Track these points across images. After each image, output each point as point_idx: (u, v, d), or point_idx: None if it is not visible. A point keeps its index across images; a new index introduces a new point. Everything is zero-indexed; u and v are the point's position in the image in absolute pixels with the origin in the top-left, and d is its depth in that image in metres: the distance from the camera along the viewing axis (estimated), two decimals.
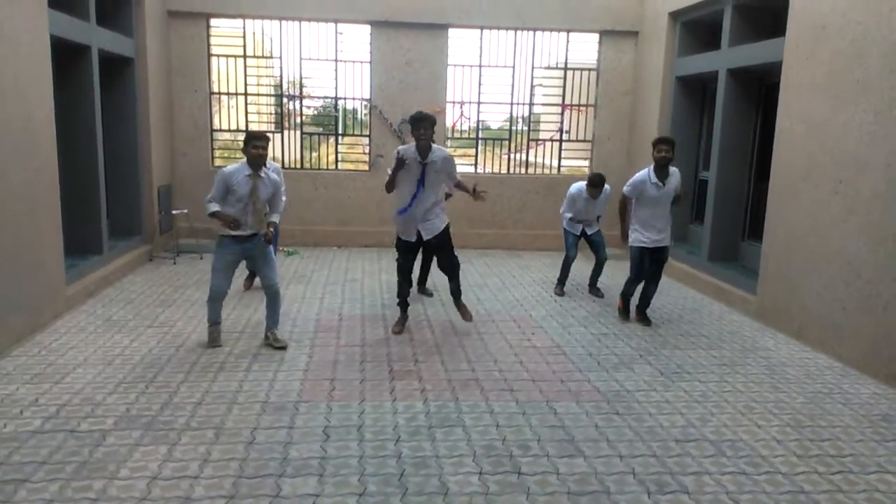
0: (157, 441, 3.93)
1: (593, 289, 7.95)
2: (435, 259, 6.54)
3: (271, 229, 5.56)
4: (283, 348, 5.55)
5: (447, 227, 6.06)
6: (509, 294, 7.81)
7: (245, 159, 5.42)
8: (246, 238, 5.44)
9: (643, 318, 6.72)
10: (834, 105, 5.93)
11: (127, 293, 7.28)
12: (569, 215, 7.87)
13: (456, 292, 6.24)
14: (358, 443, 3.99)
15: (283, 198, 6.35)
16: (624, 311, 6.83)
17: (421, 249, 6.31)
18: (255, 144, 5.34)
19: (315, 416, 4.33)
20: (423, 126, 5.69)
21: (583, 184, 7.66)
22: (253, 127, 10.44)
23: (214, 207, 5.34)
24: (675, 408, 4.67)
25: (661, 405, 4.71)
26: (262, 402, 4.53)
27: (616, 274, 8.50)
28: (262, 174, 5.41)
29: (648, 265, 6.58)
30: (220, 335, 5.66)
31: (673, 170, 6.41)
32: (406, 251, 6.08)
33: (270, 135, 6.88)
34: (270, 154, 10.61)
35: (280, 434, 4.07)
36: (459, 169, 6.38)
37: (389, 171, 5.90)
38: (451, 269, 6.14)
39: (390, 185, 5.94)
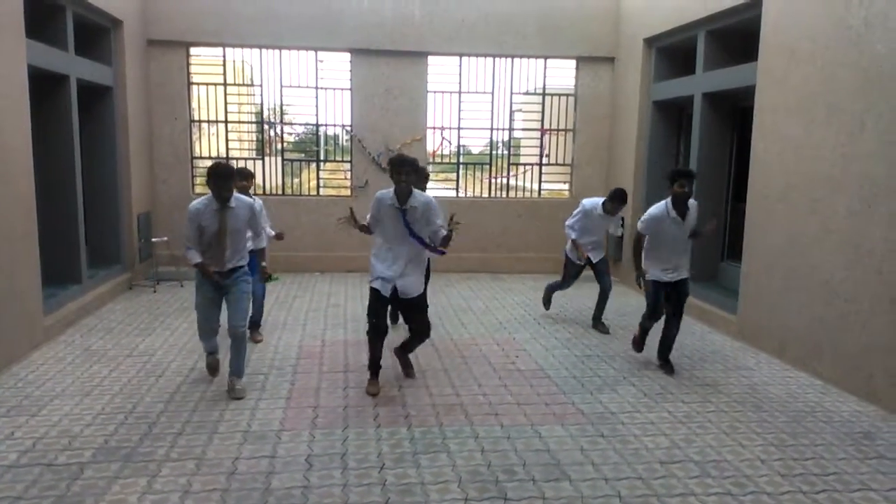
0: (136, 473, 3.85)
1: (598, 323, 7.28)
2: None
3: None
4: (240, 398, 5.02)
5: (424, 292, 5.49)
6: (492, 317, 7.80)
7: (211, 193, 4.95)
8: (226, 273, 5.07)
9: (665, 365, 5.92)
10: (807, 127, 6.05)
11: (106, 322, 7.19)
12: (573, 235, 7.31)
13: (409, 347, 5.63)
14: (342, 471, 3.94)
15: (267, 227, 6.48)
16: (640, 341, 6.13)
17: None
18: (217, 183, 4.85)
19: (298, 445, 4.28)
20: (404, 170, 5.09)
21: (598, 199, 7.28)
22: (234, 154, 10.44)
23: (196, 258, 4.97)
24: (660, 429, 4.67)
25: (645, 426, 4.71)
26: (243, 431, 4.47)
27: (618, 306, 8.31)
28: (233, 203, 4.95)
29: (666, 300, 5.87)
30: (218, 364, 5.45)
31: (692, 202, 5.73)
32: (378, 305, 5.28)
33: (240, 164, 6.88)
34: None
35: (262, 464, 4.01)
36: (442, 194, 6.05)
37: (368, 217, 5.43)
38: (420, 333, 5.51)
39: (366, 232, 5.46)
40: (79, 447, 4.17)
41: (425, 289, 5.55)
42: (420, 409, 4.92)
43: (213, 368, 5.43)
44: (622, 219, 7.80)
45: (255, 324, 6.62)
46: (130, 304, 8.10)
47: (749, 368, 6.07)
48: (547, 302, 7.91)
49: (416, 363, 5.98)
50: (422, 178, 6.39)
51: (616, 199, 7.06)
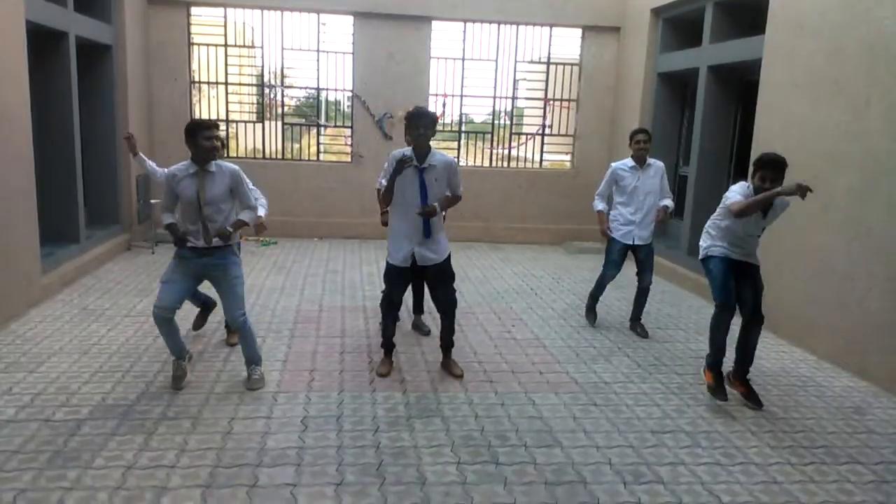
0: (133, 431, 3.89)
1: (636, 324, 6.28)
2: (428, 291, 5.30)
3: (229, 229, 4.39)
4: (257, 389, 4.54)
5: (449, 256, 5.00)
6: (491, 286, 7.82)
7: (190, 156, 4.38)
8: (207, 251, 4.40)
9: (749, 392, 4.70)
10: (812, 103, 6.00)
11: (104, 282, 7.20)
12: (601, 206, 6.15)
13: (448, 341, 5.04)
14: (336, 433, 3.98)
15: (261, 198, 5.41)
16: (718, 387, 4.59)
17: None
18: (206, 135, 4.29)
19: (294, 407, 4.32)
20: (423, 124, 4.60)
21: (623, 161, 6.15)
22: (234, 117, 10.37)
23: (168, 219, 4.42)
24: (652, 399, 4.71)
25: (638, 397, 4.75)
26: (239, 392, 4.51)
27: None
28: (213, 168, 4.37)
29: (740, 289, 4.75)
30: (186, 373, 4.57)
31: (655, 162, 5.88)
32: (396, 280, 4.92)
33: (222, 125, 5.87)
34: (251, 145, 10.54)
35: (258, 424, 4.05)
36: None
37: (384, 181, 4.84)
38: (448, 305, 4.94)
39: (387, 196, 4.75)
40: (76, 404, 4.21)
41: (450, 255, 5.02)
42: (415, 375, 4.96)
43: (176, 379, 4.52)
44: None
45: (207, 306, 5.58)
46: (128, 264, 8.11)
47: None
48: (593, 305, 6.49)
49: (412, 330, 6.02)
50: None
51: (640, 137, 5.96)
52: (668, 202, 6.10)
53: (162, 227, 4.60)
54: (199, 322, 5.58)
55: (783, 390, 5.00)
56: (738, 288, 4.73)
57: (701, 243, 4.97)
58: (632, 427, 4.25)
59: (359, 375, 4.90)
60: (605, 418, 4.36)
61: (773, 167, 4.49)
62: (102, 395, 4.35)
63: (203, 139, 4.27)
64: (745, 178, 6.69)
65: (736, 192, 4.65)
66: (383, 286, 5.12)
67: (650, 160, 6.04)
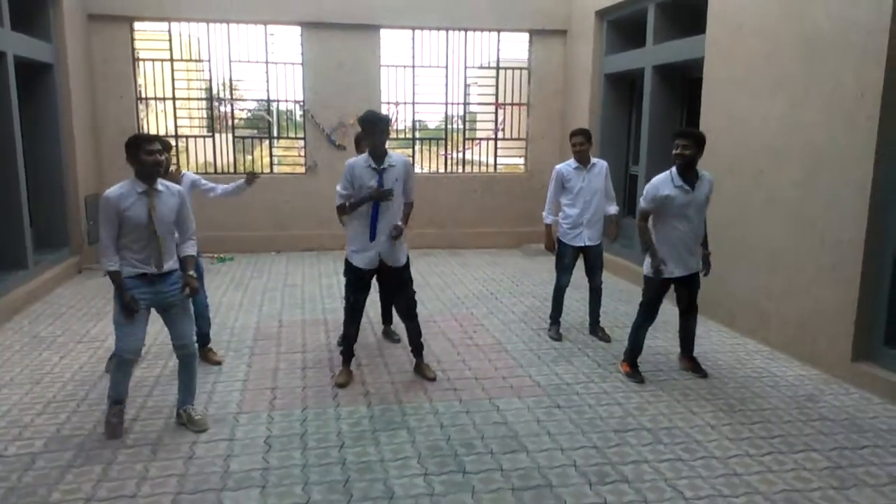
0: (90, 461, 3.80)
1: (596, 328, 6.27)
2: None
3: (192, 274, 4.20)
4: (204, 430, 4.20)
5: (408, 260, 5.15)
6: (451, 293, 7.84)
7: (133, 173, 4.04)
8: (157, 277, 4.07)
9: (695, 366, 5.31)
10: (753, 99, 6.18)
11: (55, 307, 7.01)
12: (551, 219, 6.13)
13: (417, 345, 5.19)
14: (301, 451, 3.95)
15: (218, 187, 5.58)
16: (634, 373, 5.19)
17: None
18: (147, 149, 3.95)
19: (256, 427, 4.26)
20: (380, 129, 4.74)
21: (566, 162, 6.09)
22: (183, 132, 10.19)
23: (111, 265, 3.95)
24: (614, 398, 4.79)
25: (599, 396, 4.82)
26: (200, 415, 4.43)
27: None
28: (160, 187, 4.08)
29: (677, 293, 5.29)
30: (122, 421, 4.17)
31: (703, 173, 5.09)
32: (360, 284, 4.99)
33: (172, 140, 5.61)
34: (202, 159, 10.38)
35: (220, 447, 3.99)
36: None
37: (342, 191, 4.83)
38: (410, 309, 5.12)
39: (351, 212, 4.84)
40: (29, 437, 4.09)
41: (408, 257, 5.16)
42: (379, 387, 4.94)
43: (115, 427, 4.11)
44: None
45: (205, 337, 5.47)
46: (80, 288, 7.91)
47: (699, 337, 6.17)
48: (556, 316, 6.37)
49: (374, 341, 6.00)
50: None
51: (578, 136, 5.94)
52: (614, 209, 6.10)
53: (102, 269, 4.13)
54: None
55: (739, 382, 5.13)
56: (675, 291, 5.27)
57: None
58: (595, 427, 4.31)
59: (321, 391, 4.86)
60: (568, 420, 4.42)
61: (681, 136, 4.96)
62: (57, 426, 4.24)
63: (145, 154, 3.94)
64: None
65: (644, 196, 5.09)
66: (344, 295, 5.10)
67: (594, 160, 6.02)
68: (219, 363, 5.39)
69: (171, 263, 4.15)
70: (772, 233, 5.94)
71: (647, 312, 5.23)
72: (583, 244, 6.00)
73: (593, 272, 6.15)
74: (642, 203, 5.10)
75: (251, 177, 5.67)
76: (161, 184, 4.10)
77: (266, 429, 4.24)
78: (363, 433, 4.20)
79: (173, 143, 9.90)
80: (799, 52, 5.62)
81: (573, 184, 5.96)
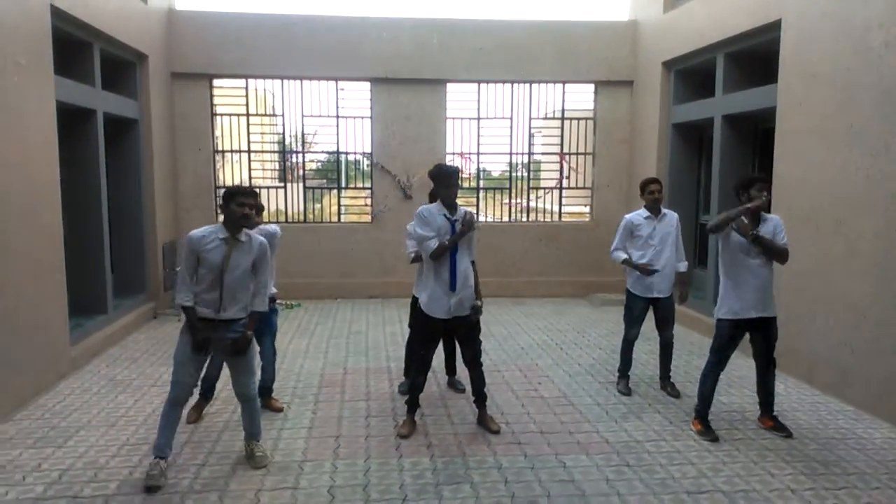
0: None
1: (666, 383, 6.05)
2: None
3: (249, 333, 4.29)
4: (262, 467, 4.36)
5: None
6: (514, 342, 7.76)
7: (222, 220, 4.29)
8: (220, 324, 4.23)
9: (778, 425, 5.06)
10: (830, 149, 5.99)
11: (131, 352, 7.26)
12: (621, 256, 5.87)
13: (480, 394, 5.16)
14: (364, 503, 3.92)
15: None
16: (707, 430, 4.98)
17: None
18: (240, 201, 4.17)
19: (320, 476, 4.26)
20: (454, 182, 4.88)
21: (636, 211, 5.98)
22: (257, 182, 10.57)
23: (187, 301, 4.17)
24: (686, 458, 4.59)
25: (671, 455, 4.63)
26: (262, 452, 4.47)
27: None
28: (243, 238, 4.26)
29: (752, 343, 5.09)
30: (163, 475, 4.14)
31: (770, 216, 5.04)
32: (430, 335, 5.05)
33: (259, 191, 5.61)
34: (273, 208, 10.70)
35: (285, 496, 4.00)
36: None
37: (412, 246, 5.10)
38: (476, 358, 5.10)
39: (439, 255, 4.81)
40: (104, 479, 4.20)
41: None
42: (442, 439, 4.89)
43: (155, 481, 4.07)
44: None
45: (268, 389, 5.49)
46: (155, 333, 8.18)
47: (778, 394, 5.91)
48: (625, 370, 6.17)
49: (437, 391, 5.97)
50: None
51: (650, 185, 5.85)
52: (683, 266, 5.94)
53: (176, 304, 4.34)
54: (195, 415, 5.21)
55: (821, 444, 4.85)
56: (750, 341, 5.08)
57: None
58: (667, 488, 4.13)
59: (385, 441, 4.84)
60: (638, 480, 4.25)
61: (755, 181, 4.89)
62: (130, 469, 4.34)
63: (236, 205, 4.16)
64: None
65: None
66: (410, 347, 5.10)
67: (665, 210, 5.93)
68: (280, 410, 5.43)
69: (234, 312, 4.25)
70: (853, 286, 5.68)
71: (716, 360, 5.04)
72: (652, 295, 5.84)
73: (664, 325, 5.97)
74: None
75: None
76: (246, 234, 4.28)
77: (329, 478, 4.23)
78: (426, 486, 4.14)
79: None
80: (876, 101, 5.45)
81: (643, 232, 5.83)
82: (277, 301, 5.48)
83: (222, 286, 4.17)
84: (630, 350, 6.09)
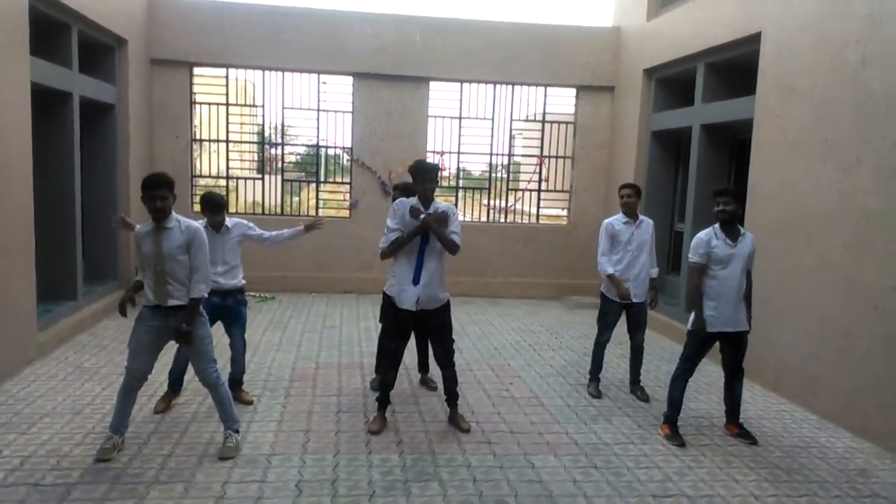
0: (124, 495, 3.82)
1: (636, 387, 6.11)
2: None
3: (184, 327, 4.27)
4: (230, 458, 4.36)
5: (448, 303, 5.13)
6: (488, 342, 7.78)
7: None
8: (170, 311, 4.30)
9: (743, 432, 5.14)
10: (804, 162, 6.09)
11: (100, 339, 7.16)
12: (608, 270, 5.85)
13: (452, 393, 5.14)
14: (331, 498, 3.91)
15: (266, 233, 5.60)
16: (675, 435, 5.05)
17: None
18: (149, 195, 4.20)
19: (288, 470, 4.24)
20: (430, 178, 4.92)
21: (615, 216, 6.03)
22: (234, 173, 10.48)
23: (138, 276, 4.46)
24: (653, 461, 4.64)
25: (638, 459, 4.68)
26: (233, 443, 4.43)
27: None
28: (171, 224, 4.29)
29: (723, 356, 5.25)
30: (115, 449, 4.29)
31: (745, 231, 5.17)
32: (400, 329, 5.05)
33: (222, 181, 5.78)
34: (251, 199, 10.64)
35: (251, 489, 3.97)
36: None
37: (394, 234, 4.86)
38: (448, 356, 5.09)
39: (395, 249, 4.90)
40: (67, 467, 4.13)
41: (449, 302, 5.13)
42: (412, 436, 4.89)
43: (107, 452, 4.25)
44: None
45: (238, 382, 5.44)
46: (125, 321, 7.99)
47: (744, 401, 5.99)
48: (596, 372, 6.21)
49: (409, 388, 5.96)
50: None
51: (627, 190, 5.92)
52: (655, 271, 6.02)
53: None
54: (163, 405, 5.17)
55: (786, 451, 4.93)
56: (721, 351, 5.22)
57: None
58: (633, 491, 4.17)
59: (355, 437, 4.83)
60: (605, 482, 4.29)
61: (721, 193, 5.02)
62: (94, 458, 4.27)
63: (147, 199, 4.23)
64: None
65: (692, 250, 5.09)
66: (381, 342, 5.10)
67: (641, 217, 5.98)
68: (250, 402, 5.38)
69: (180, 298, 4.30)
70: (822, 298, 5.78)
71: (686, 367, 5.15)
72: (628, 301, 5.90)
73: (636, 330, 6.03)
74: (691, 257, 5.06)
75: (312, 226, 5.83)
76: (175, 220, 4.32)
77: (298, 472, 4.21)
78: (394, 483, 4.14)
79: (223, 182, 10.22)
80: (851, 116, 5.55)
81: (623, 237, 5.88)
82: (249, 293, 5.46)
83: (159, 274, 4.26)
84: (601, 353, 6.14)
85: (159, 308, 4.30)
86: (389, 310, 5.12)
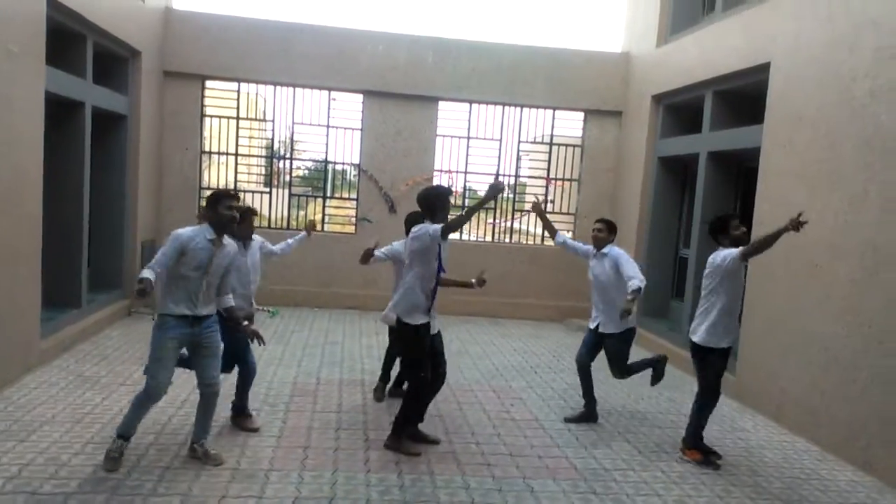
0: None
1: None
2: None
3: (249, 326, 4.74)
4: (220, 464, 4.44)
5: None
6: (490, 363, 7.76)
7: (207, 223, 4.39)
8: (197, 320, 4.35)
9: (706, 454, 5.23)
10: (810, 192, 6.10)
11: (102, 348, 7.16)
12: (560, 240, 6.41)
13: (396, 420, 5.02)
14: None
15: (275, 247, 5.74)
16: (707, 458, 5.16)
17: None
18: (228, 205, 4.36)
19: (286, 486, 4.22)
20: (443, 203, 5.00)
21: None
22: (242, 186, 10.53)
23: (147, 273, 4.04)
24: (653, 489, 4.61)
25: (638, 485, 4.65)
26: (231, 468, 4.42)
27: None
28: (225, 241, 4.45)
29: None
30: (122, 458, 4.35)
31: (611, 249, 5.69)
32: (426, 351, 4.94)
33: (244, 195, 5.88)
34: (258, 213, 10.70)
35: None
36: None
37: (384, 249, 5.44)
38: (440, 380, 5.15)
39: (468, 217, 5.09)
40: (65, 476, 4.13)
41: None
42: (412, 456, 4.86)
43: (113, 461, 4.29)
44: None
45: (243, 409, 5.27)
46: (128, 330, 8.08)
47: (746, 430, 6.02)
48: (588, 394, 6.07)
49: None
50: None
51: (598, 224, 6.04)
52: (636, 282, 5.31)
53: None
54: None
55: (786, 483, 4.90)
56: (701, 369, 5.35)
57: (706, 329, 5.16)
58: None
59: (353, 455, 4.81)
60: None
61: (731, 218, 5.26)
62: (93, 468, 4.27)
63: (225, 208, 4.35)
64: (745, 261, 6.53)
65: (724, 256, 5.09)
66: (414, 370, 4.98)
67: (607, 249, 5.75)
68: (255, 430, 5.15)
69: (208, 310, 4.43)
70: (826, 328, 5.76)
71: (715, 391, 5.24)
72: (594, 326, 5.84)
73: (609, 363, 5.85)
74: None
75: (311, 227, 6.18)
76: (227, 238, 4.49)
77: (296, 489, 4.19)
78: (392, 502, 4.12)
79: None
80: (858, 148, 5.57)
81: (591, 266, 5.87)
82: (257, 307, 5.49)
83: (203, 285, 4.33)
84: (582, 373, 5.96)
85: (186, 317, 4.30)
86: (422, 341, 4.91)
